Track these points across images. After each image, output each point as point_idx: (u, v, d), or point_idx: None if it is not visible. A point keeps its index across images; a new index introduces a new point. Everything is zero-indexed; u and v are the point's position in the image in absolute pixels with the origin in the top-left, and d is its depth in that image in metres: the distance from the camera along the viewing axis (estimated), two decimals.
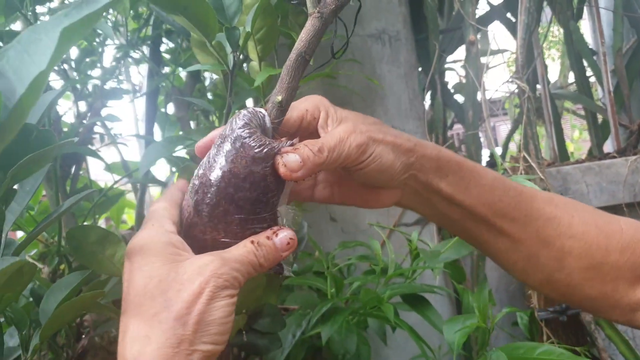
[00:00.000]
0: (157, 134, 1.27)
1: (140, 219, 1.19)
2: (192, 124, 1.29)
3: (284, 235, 0.48)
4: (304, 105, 0.54)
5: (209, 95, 1.32)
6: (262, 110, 0.51)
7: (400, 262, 1.05)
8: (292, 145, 0.50)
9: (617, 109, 1.63)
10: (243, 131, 0.48)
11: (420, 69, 1.61)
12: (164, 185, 1.10)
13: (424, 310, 0.94)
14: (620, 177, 1.33)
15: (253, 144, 0.48)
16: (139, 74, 1.44)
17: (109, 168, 1.08)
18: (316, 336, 1.01)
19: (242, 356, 0.86)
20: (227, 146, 0.49)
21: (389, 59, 1.30)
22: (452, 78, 3.77)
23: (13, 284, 0.39)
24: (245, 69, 1.00)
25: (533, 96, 1.43)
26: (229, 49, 0.74)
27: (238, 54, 0.75)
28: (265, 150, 0.48)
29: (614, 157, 1.42)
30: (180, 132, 1.23)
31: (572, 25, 1.74)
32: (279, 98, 0.51)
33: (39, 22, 0.33)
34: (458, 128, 2.66)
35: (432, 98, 1.49)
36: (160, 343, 0.40)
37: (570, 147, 4.12)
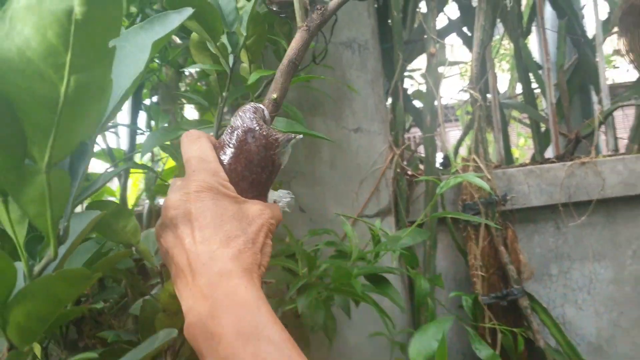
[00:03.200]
0: (141, 124, 1.36)
1: (124, 202, 1.28)
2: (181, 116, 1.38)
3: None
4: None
5: (183, 87, 1.42)
6: (261, 105, 0.63)
7: (363, 247, 1.17)
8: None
9: (558, 120, 1.80)
10: (255, 125, 0.59)
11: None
12: (149, 168, 1.20)
13: (386, 289, 1.06)
14: (558, 180, 1.49)
15: (264, 135, 0.59)
16: None
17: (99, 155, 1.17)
18: (289, 312, 1.12)
19: None
20: (241, 136, 0.59)
21: (358, 65, 1.42)
22: (409, 85, 3.93)
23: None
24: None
25: (484, 105, 1.58)
26: (230, 50, 0.86)
27: (236, 55, 0.86)
28: (274, 138, 0.60)
29: (553, 162, 1.58)
30: (166, 124, 1.32)
31: (521, 42, 1.91)
32: (274, 95, 0.64)
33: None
34: (415, 131, 2.82)
35: (394, 103, 1.62)
36: (248, 252, 0.53)
37: (516, 153, 4.35)
